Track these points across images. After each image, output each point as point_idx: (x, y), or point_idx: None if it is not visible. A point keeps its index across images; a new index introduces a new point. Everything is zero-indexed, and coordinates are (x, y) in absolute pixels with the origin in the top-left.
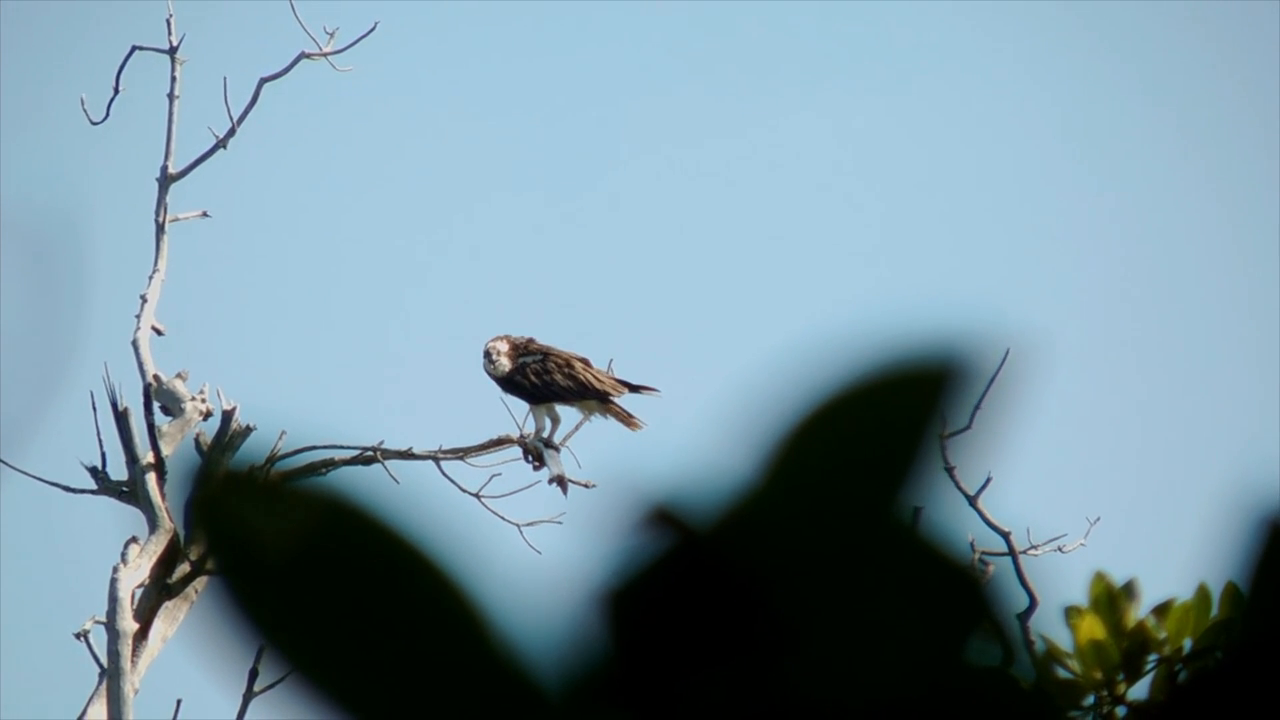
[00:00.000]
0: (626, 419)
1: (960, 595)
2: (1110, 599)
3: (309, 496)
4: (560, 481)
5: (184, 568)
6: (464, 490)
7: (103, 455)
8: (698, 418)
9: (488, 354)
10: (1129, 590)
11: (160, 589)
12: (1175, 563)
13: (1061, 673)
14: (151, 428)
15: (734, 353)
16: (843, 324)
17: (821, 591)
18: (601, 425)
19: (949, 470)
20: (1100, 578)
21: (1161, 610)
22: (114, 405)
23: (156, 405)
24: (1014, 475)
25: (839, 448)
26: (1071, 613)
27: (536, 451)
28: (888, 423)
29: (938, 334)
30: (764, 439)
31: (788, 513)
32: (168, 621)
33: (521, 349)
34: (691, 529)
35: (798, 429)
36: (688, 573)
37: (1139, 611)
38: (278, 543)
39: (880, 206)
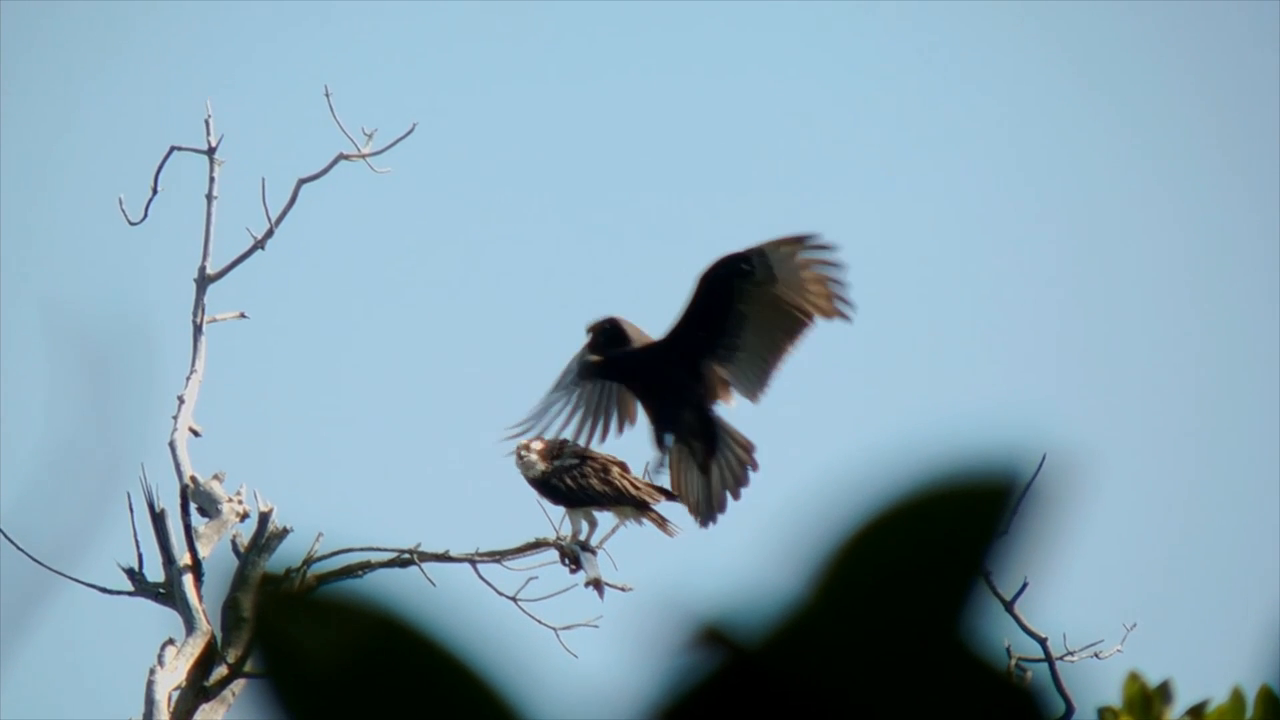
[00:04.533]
0: (661, 524)
1: (1013, 712)
2: (1145, 701)
3: (358, 609)
4: (597, 585)
5: (221, 670)
6: (500, 593)
7: (139, 557)
8: (742, 530)
9: (519, 454)
10: (1164, 692)
11: (197, 692)
12: (1212, 669)
13: None
14: (188, 529)
15: (778, 466)
16: (892, 435)
17: (873, 708)
18: (638, 530)
19: (985, 576)
20: (1134, 679)
21: (1196, 712)
22: (151, 507)
23: (193, 507)
24: (1051, 580)
25: (889, 563)
26: (1106, 714)
27: (573, 555)
28: (938, 538)
29: (986, 446)
30: (812, 554)
31: (838, 629)
32: None
33: (555, 451)
34: (741, 647)
35: (847, 544)
36: (738, 691)
37: (1174, 713)
38: (326, 654)
39: (924, 312)
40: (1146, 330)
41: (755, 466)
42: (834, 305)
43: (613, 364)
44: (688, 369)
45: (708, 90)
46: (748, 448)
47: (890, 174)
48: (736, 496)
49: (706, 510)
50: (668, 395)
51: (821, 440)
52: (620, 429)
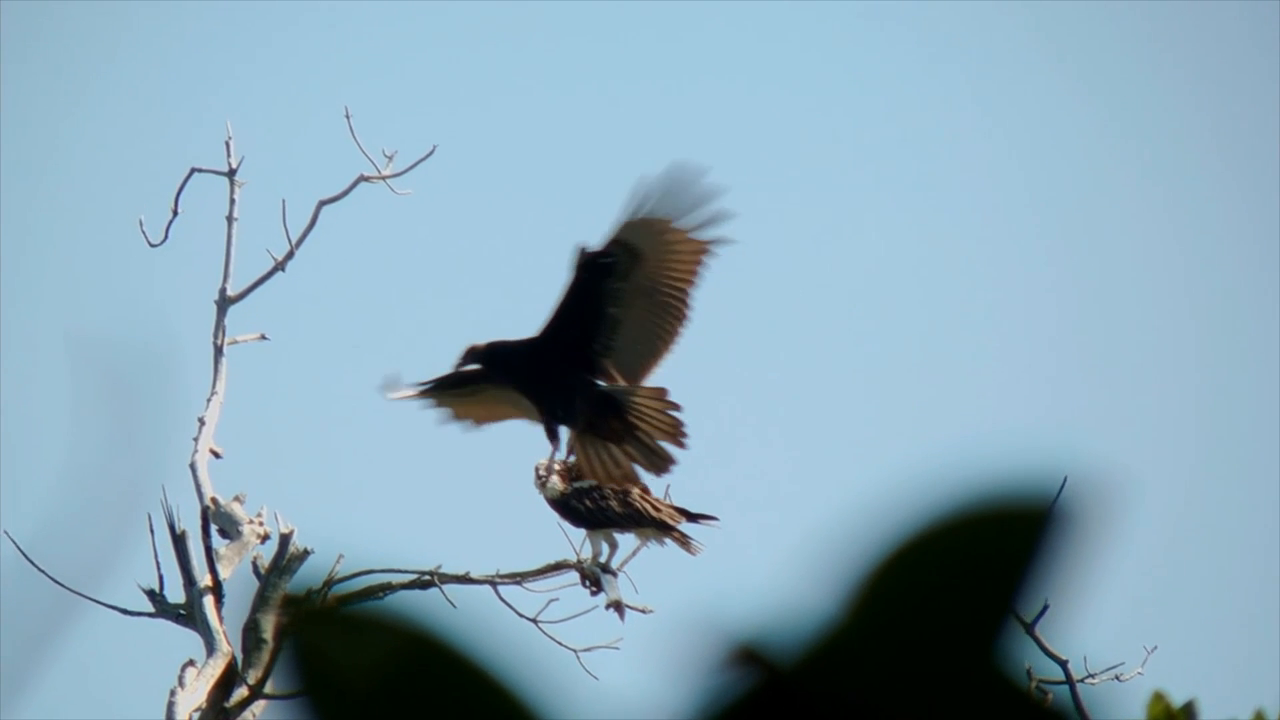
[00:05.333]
0: (684, 543)
1: None
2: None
3: (392, 626)
4: (617, 607)
5: (242, 691)
6: (521, 615)
7: (160, 578)
8: (775, 550)
9: (539, 475)
10: (1188, 712)
11: (218, 713)
12: (1234, 691)
13: None
14: (209, 550)
15: (810, 485)
16: (926, 456)
17: None
18: (660, 551)
19: (1011, 598)
20: (1159, 699)
21: None
22: (171, 528)
23: (214, 528)
24: (1080, 603)
25: (922, 585)
26: None
27: (593, 577)
28: (971, 561)
29: (1017, 469)
30: (846, 576)
31: (871, 650)
32: None
33: (575, 472)
34: (776, 667)
35: (881, 566)
36: (773, 711)
37: None
38: (359, 671)
39: (961, 331)
40: (1168, 348)
41: (678, 407)
42: (704, 252)
43: (494, 354)
44: (570, 359)
45: (723, 101)
46: (659, 395)
47: (899, 191)
48: (680, 440)
49: (656, 462)
50: (554, 383)
51: (853, 462)
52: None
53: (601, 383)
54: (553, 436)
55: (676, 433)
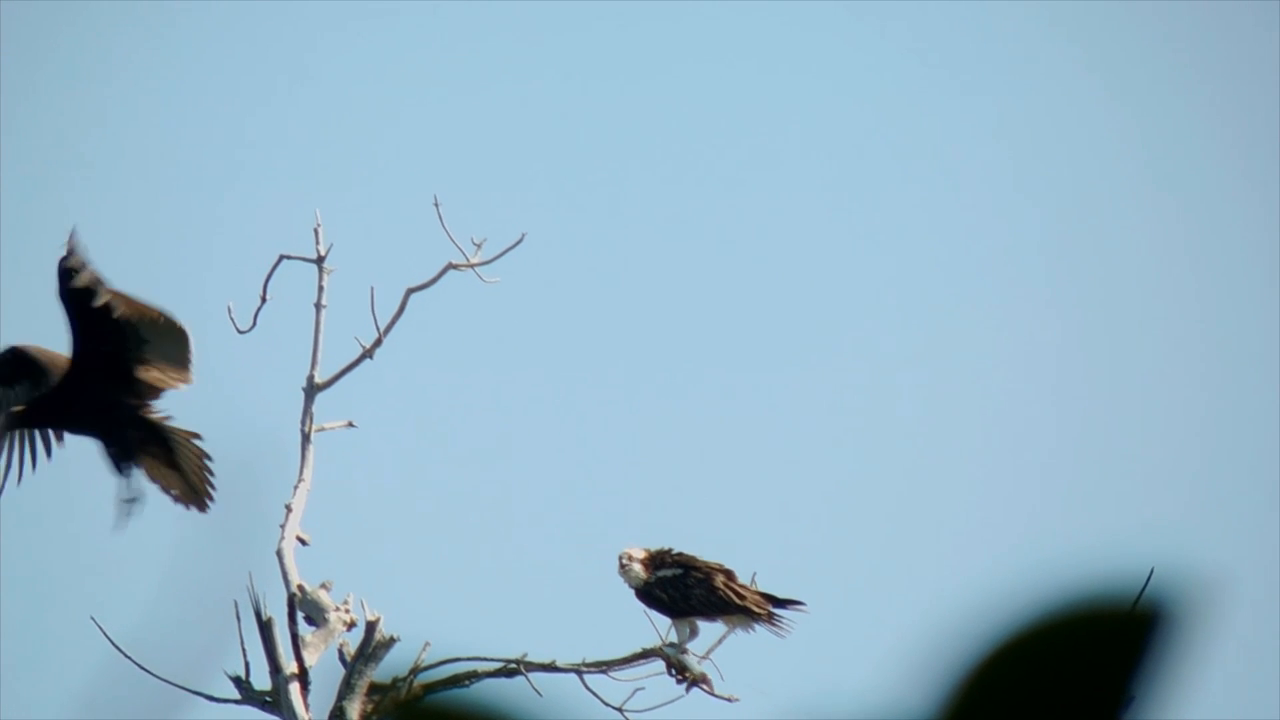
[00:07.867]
0: (772, 625)
1: None
2: None
3: (480, 717)
4: (704, 680)
5: None
6: (607, 704)
7: (246, 664)
8: (870, 642)
9: (622, 563)
10: None
11: None
12: None
13: None
14: (295, 637)
15: (905, 583)
16: (1024, 557)
17: None
18: (747, 639)
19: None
20: None
21: None
22: (258, 615)
23: (300, 615)
24: (1167, 698)
25: (1020, 685)
26: None
27: (679, 664)
28: (1069, 660)
29: (1121, 573)
30: (944, 676)
31: None
32: None
33: (658, 560)
34: None
35: (978, 667)
36: None
37: None
38: None
39: (1058, 426)
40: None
41: (208, 456)
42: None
43: (38, 410)
44: (116, 382)
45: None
46: (198, 435)
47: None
48: (211, 481)
49: (194, 496)
50: (105, 420)
51: (951, 563)
52: (49, 453)
53: (143, 413)
54: (120, 471)
55: (205, 471)
